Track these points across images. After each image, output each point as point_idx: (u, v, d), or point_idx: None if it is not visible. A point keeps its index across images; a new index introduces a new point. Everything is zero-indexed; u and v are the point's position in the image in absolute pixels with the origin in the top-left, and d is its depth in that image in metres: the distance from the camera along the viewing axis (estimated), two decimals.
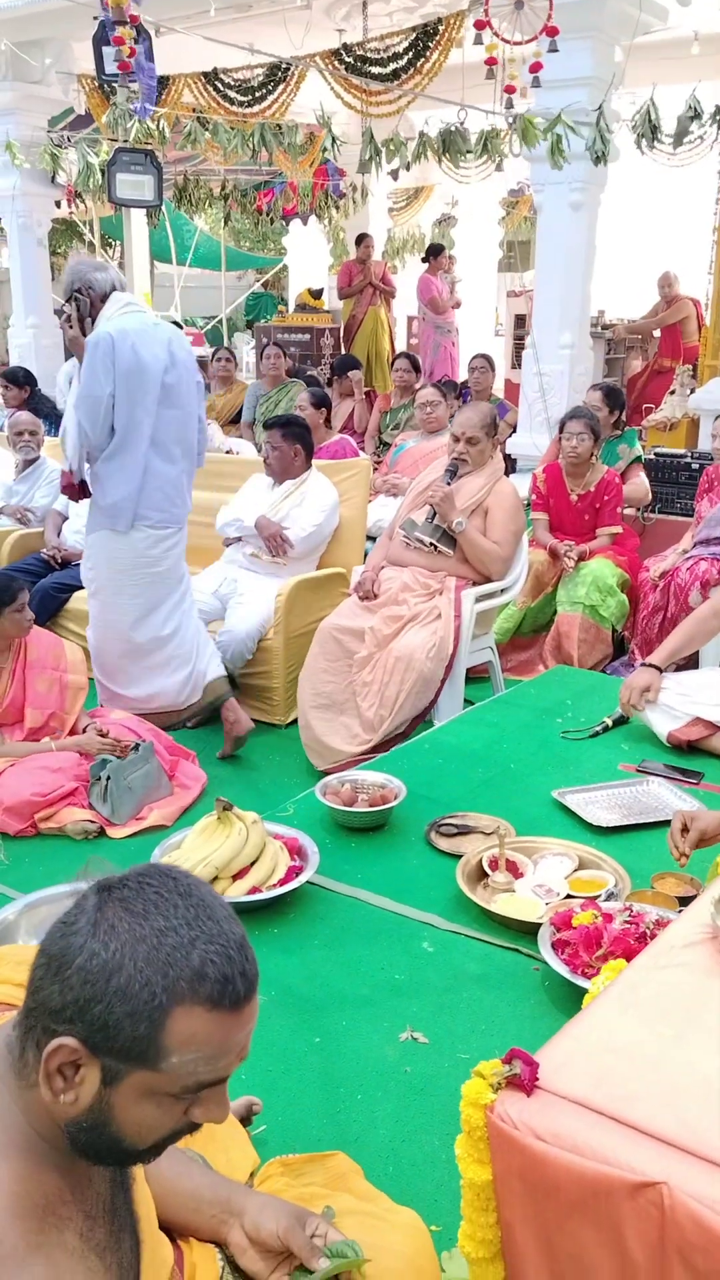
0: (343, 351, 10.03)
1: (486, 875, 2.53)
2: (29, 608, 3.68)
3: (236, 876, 2.43)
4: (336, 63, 6.52)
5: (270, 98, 6.92)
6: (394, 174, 11.67)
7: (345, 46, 6.50)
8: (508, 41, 3.93)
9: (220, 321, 17.22)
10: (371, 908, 2.47)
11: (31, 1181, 0.96)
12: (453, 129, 5.43)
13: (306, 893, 2.51)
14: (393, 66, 6.37)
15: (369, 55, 6.46)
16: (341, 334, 10.01)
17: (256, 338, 10.21)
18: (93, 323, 3.68)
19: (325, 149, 5.55)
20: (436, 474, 4.22)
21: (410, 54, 6.26)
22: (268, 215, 11.15)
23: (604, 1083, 1.29)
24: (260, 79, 6.94)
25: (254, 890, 2.41)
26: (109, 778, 3.56)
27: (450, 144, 5.46)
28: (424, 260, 9.83)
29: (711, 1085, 1.28)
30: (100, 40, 6.07)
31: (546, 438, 6.03)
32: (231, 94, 7.12)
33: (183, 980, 0.94)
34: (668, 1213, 1.15)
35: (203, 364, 8.93)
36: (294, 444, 4.55)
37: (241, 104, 7.04)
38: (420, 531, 4.00)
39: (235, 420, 7.48)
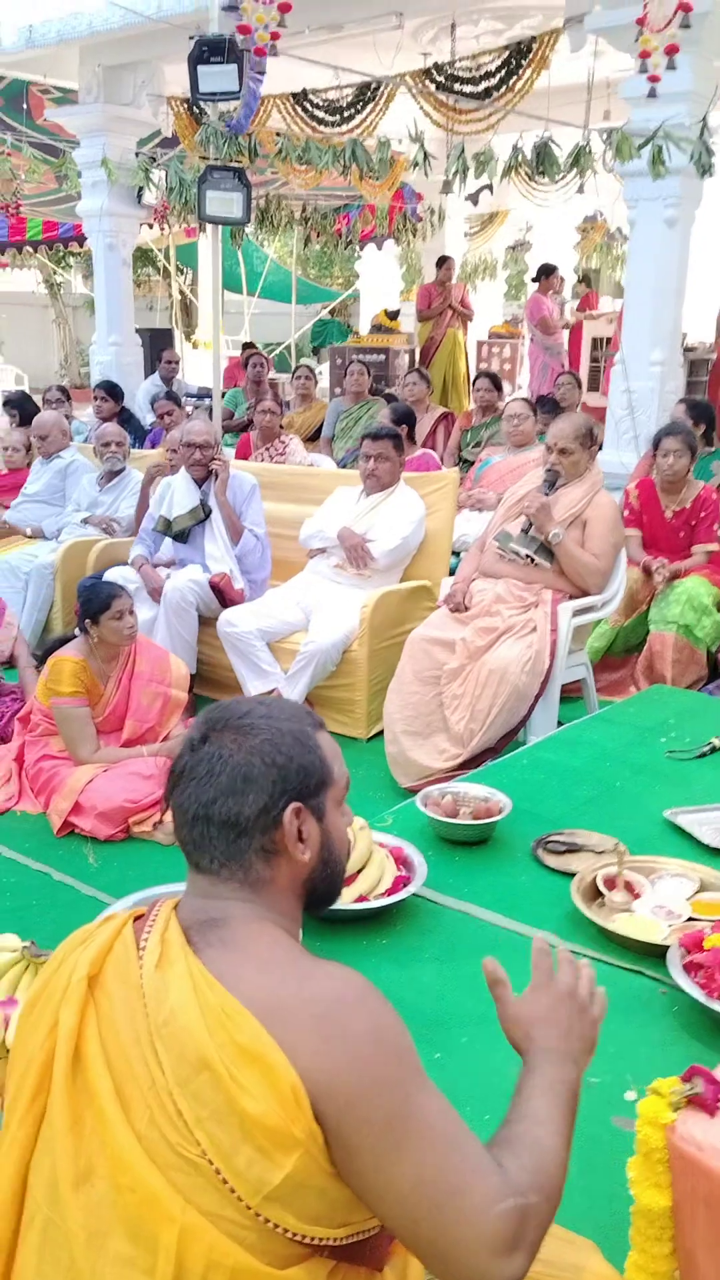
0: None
1: (600, 894, 2.41)
2: (129, 614, 3.64)
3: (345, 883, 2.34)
4: (427, 82, 6.52)
5: (358, 118, 6.94)
6: (473, 198, 11.71)
7: (436, 66, 6.50)
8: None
9: (288, 348, 17.41)
10: (481, 923, 2.37)
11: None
12: (547, 143, 5.38)
13: (412, 905, 2.41)
14: (484, 85, 6.34)
15: (459, 74, 6.45)
16: (418, 355, 9.98)
17: (331, 358, 10.23)
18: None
19: (416, 164, 5.52)
20: (530, 485, 4.13)
21: (503, 72, 6.24)
22: (345, 239, 11.19)
23: None
24: (349, 99, 6.97)
25: (361, 899, 2.32)
26: None
27: (545, 159, 5.40)
28: (534, 280, 9.77)
29: None
30: (196, 60, 6.11)
31: (634, 455, 5.91)
32: (320, 114, 7.15)
33: (305, 717, 1.25)
34: None
35: (272, 384, 9.00)
36: (400, 453, 4.53)
37: (330, 124, 7.07)
38: (515, 543, 3.91)
39: (312, 437, 7.48)
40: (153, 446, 6.30)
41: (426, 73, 6.55)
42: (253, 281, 17.70)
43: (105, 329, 8.66)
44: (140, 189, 8.16)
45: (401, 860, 2.48)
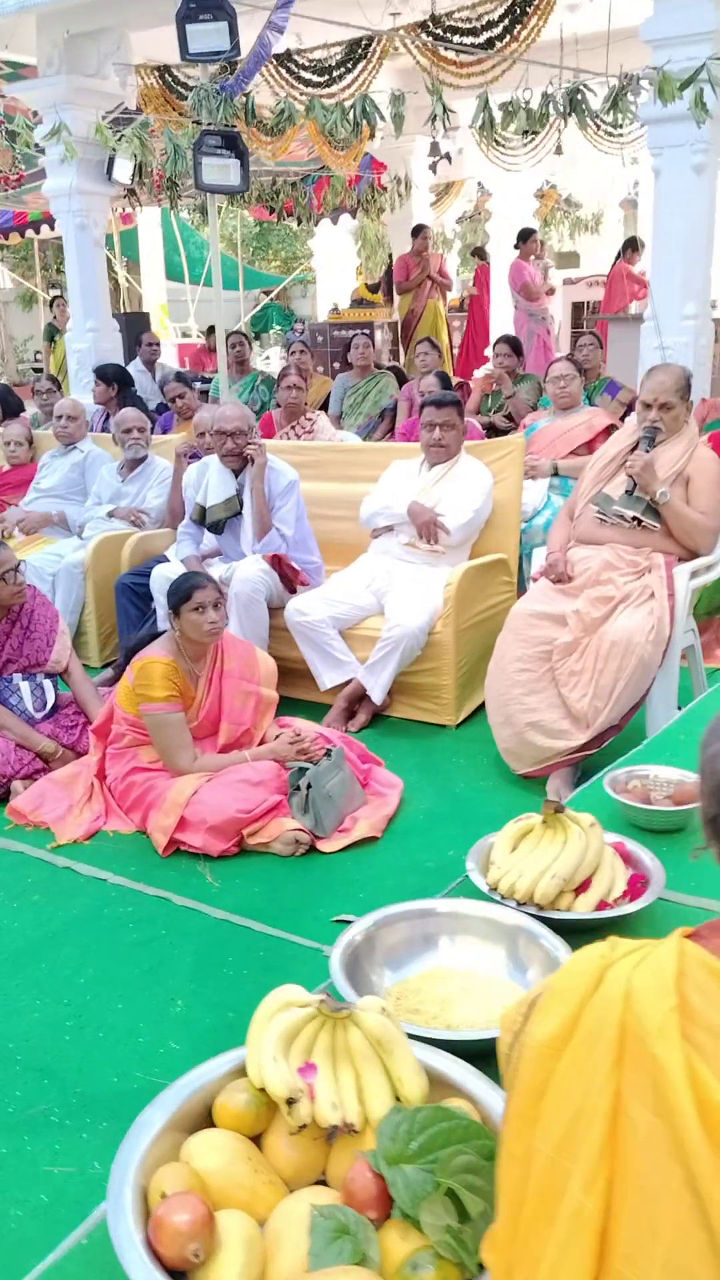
0: (401, 347, 9.74)
1: None
2: (213, 609, 3.33)
3: (579, 890, 2.08)
4: (424, 35, 6.22)
5: (349, 76, 6.62)
6: (433, 167, 11.41)
7: (433, 18, 6.19)
8: None
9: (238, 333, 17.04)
10: None
11: None
12: (580, 89, 5.12)
13: (653, 907, 2.15)
14: (486, 35, 6.06)
15: (459, 25, 6.16)
16: (399, 329, 9.70)
17: (312, 336, 9.89)
18: None
19: (435, 116, 5.22)
20: (620, 446, 3.89)
21: (506, 20, 5.96)
22: (311, 216, 10.87)
23: None
24: (339, 58, 6.64)
25: (603, 905, 2.06)
26: (309, 786, 3.22)
27: (578, 107, 5.14)
28: (515, 246, 9.52)
29: None
30: (184, 18, 5.75)
31: None
32: (306, 74, 6.81)
33: None
34: None
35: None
36: (462, 419, 4.24)
37: (318, 85, 6.73)
38: (620, 505, 3.66)
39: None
40: (164, 432, 5.94)
41: (422, 25, 6.24)
42: (195, 269, 17.33)
43: (81, 314, 8.20)
44: (110, 163, 7.71)
45: (626, 857, 2.22)
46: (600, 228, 15.34)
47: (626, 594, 3.50)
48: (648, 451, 3.65)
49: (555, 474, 4.96)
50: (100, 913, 2.94)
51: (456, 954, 1.92)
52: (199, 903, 2.95)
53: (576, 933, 2.09)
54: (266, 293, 18.82)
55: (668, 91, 4.64)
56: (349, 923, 2.92)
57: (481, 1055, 1.59)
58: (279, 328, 18.50)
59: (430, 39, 6.18)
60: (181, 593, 3.35)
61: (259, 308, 18.57)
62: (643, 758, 2.88)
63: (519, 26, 5.94)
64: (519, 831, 2.22)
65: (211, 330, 12.36)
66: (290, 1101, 1.38)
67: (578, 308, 10.97)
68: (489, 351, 10.14)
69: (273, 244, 23.28)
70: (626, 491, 3.65)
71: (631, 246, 9.62)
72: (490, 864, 2.17)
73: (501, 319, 11.05)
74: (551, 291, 9.69)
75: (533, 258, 9.34)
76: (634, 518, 3.62)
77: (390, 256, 10.67)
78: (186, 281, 17.73)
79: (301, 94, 6.76)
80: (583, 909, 2.05)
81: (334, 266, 15.43)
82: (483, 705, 4.25)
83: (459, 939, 1.93)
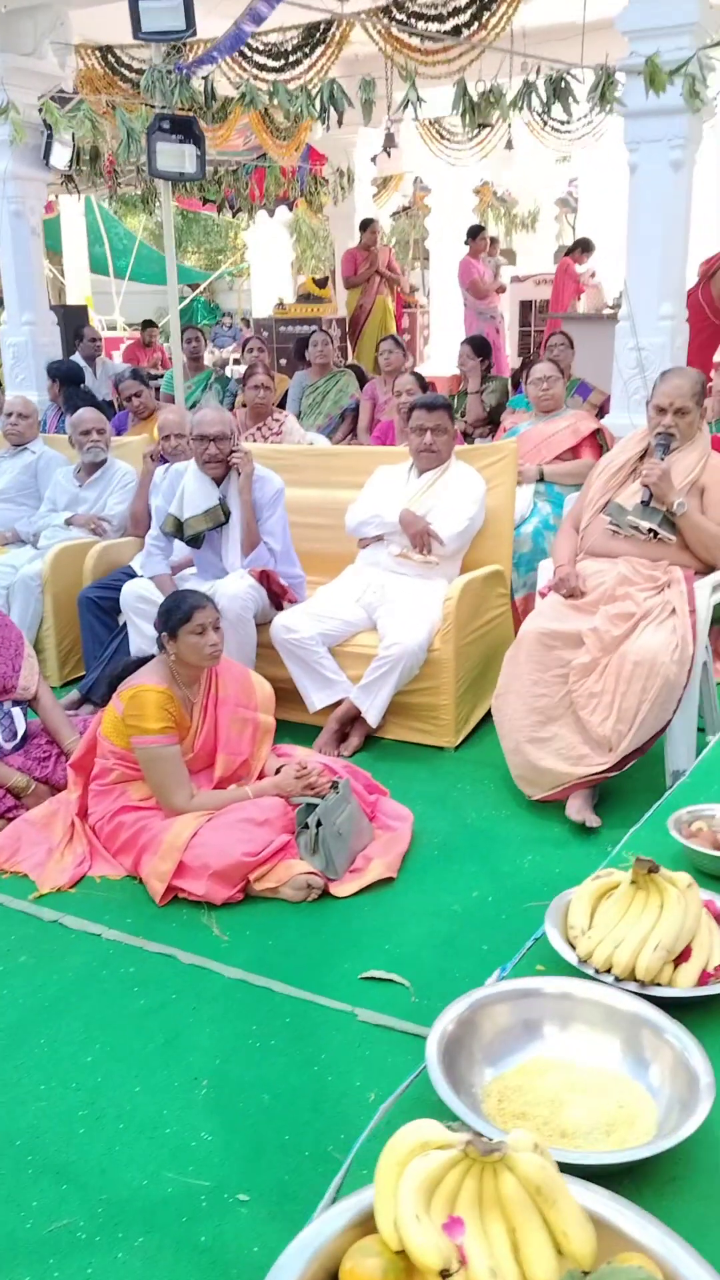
0: (349, 344, 9.49)
1: None
2: (213, 630, 3.04)
3: (679, 960, 1.86)
4: (385, 20, 5.97)
5: (308, 61, 6.34)
6: (375, 159, 11.20)
7: (396, 2, 5.95)
8: None
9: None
10: None
11: None
12: (564, 77, 4.92)
13: None
14: (453, 22, 5.83)
15: (423, 11, 5.92)
16: (348, 325, 9.44)
17: (257, 331, 9.58)
18: None
19: (409, 103, 4.97)
20: (628, 454, 3.70)
21: (474, 6, 5.74)
22: (253, 207, 10.56)
23: None
24: (296, 42, 6.35)
25: (707, 977, 1.84)
26: (319, 823, 2.96)
27: (561, 94, 4.94)
28: (465, 243, 9.31)
29: None
30: None
31: (645, 418, 5.56)
32: (260, 59, 6.51)
33: None
34: None
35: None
36: (453, 423, 4.01)
37: (274, 70, 6.44)
38: (634, 516, 3.46)
39: None
40: (118, 433, 5.59)
41: (385, 9, 6.00)
42: (119, 259, 16.92)
43: (16, 307, 7.76)
44: (48, 147, 7.31)
45: (717, 916, 2.01)
46: (536, 225, 15.32)
47: (647, 610, 3.30)
48: (662, 459, 3.47)
49: (541, 479, 4.77)
50: (99, 974, 2.64)
51: (564, 1043, 1.69)
52: (209, 960, 2.66)
53: (679, 1008, 1.87)
54: (193, 287, 18.41)
55: (659, 82, 4.47)
56: (378, 980, 2.69)
57: (609, 1174, 1.35)
58: (206, 323, 18.12)
59: (393, 24, 5.93)
60: (180, 613, 3.05)
61: (185, 301, 18.17)
62: (691, 792, 2.68)
63: (487, 14, 5.72)
64: (598, 891, 1.99)
65: (148, 324, 11.99)
66: (445, 1273, 1.15)
67: (525, 306, 10.85)
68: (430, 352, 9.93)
69: (196, 236, 22.77)
70: (642, 502, 3.45)
71: (582, 247, 9.51)
72: (570, 928, 1.95)
73: (451, 318, 10.87)
74: (502, 289, 9.52)
75: (483, 255, 9.16)
76: (650, 530, 3.43)
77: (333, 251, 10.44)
78: (111, 274, 17.25)
79: (255, 79, 6.46)
80: (685, 982, 1.83)
81: (269, 260, 15.12)
82: (480, 725, 4.05)
83: (570, 1026, 1.69)
